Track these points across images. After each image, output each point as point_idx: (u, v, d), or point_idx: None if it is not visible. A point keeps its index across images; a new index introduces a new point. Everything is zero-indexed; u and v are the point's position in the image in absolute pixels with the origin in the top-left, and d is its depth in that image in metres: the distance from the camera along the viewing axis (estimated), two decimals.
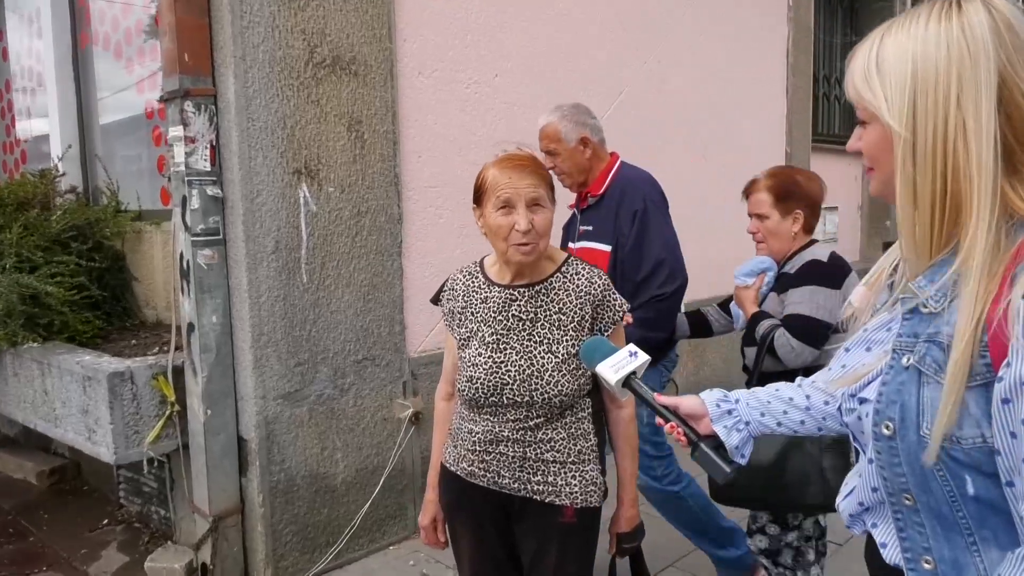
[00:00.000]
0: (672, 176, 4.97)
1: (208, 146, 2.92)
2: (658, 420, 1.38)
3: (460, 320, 1.81)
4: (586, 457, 1.75)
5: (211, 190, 2.92)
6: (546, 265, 1.76)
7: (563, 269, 1.77)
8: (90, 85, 4.24)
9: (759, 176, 2.47)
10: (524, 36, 3.94)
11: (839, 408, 1.09)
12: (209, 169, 2.92)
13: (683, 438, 1.33)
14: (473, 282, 1.82)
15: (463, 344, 1.79)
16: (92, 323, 3.42)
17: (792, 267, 2.36)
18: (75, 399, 3.02)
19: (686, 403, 1.36)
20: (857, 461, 1.17)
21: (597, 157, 2.80)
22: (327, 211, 3.11)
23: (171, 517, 3.47)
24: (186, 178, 2.88)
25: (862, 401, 1.02)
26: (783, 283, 2.36)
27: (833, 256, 2.33)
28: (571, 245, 2.81)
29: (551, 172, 2.49)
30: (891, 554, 1.03)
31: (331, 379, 3.16)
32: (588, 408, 1.78)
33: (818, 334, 2.19)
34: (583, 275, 1.75)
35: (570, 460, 1.73)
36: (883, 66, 0.96)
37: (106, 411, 2.85)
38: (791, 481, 2.07)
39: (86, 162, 4.27)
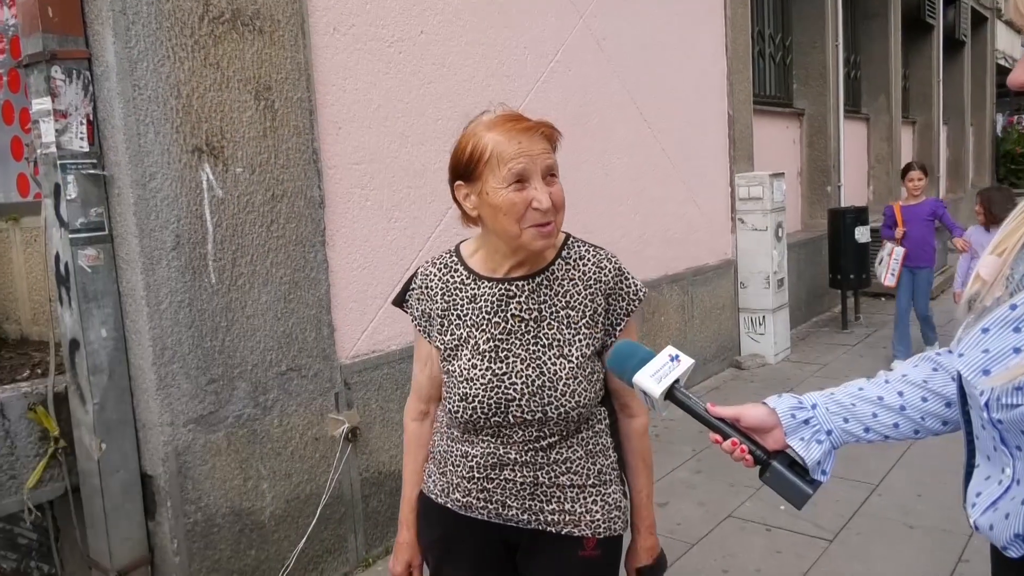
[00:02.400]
0: (614, 144, 4.94)
1: (84, 121, 2.61)
2: (713, 436, 1.30)
3: (442, 325, 1.64)
4: (607, 477, 1.64)
5: (91, 176, 2.62)
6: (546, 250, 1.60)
7: (564, 253, 1.63)
8: None
9: None
10: None
11: (987, 403, 0.99)
12: (87, 149, 2.62)
13: (748, 456, 1.26)
14: (453, 277, 1.65)
15: (450, 355, 1.61)
16: None
17: None
18: None
19: (749, 414, 1.28)
20: (982, 463, 1.08)
21: None
22: (236, 196, 2.87)
23: (57, 574, 3.14)
24: (58, 162, 2.57)
25: None
26: None
27: None
28: None
29: None
30: None
31: (251, 396, 2.94)
32: (605, 419, 1.67)
33: None
34: (589, 258, 1.63)
35: (589, 483, 1.61)
36: None
37: None
38: None
39: None
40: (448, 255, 1.70)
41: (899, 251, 6.02)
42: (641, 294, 1.64)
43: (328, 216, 3.21)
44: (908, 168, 6.22)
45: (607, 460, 1.65)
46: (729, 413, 1.28)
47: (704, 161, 5.92)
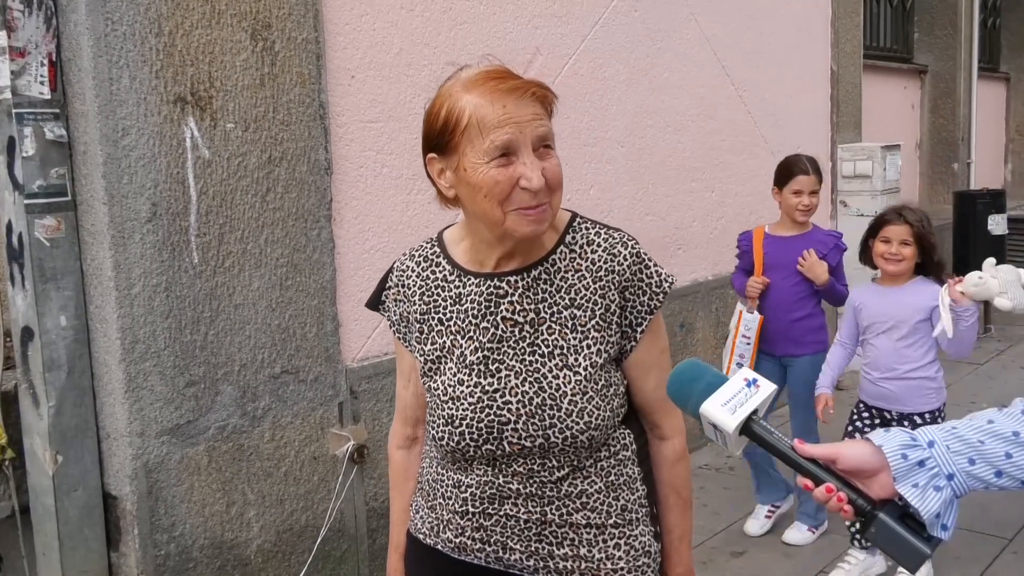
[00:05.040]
0: (687, 103, 4.92)
1: (46, 62, 2.68)
2: (802, 481, 1.30)
3: (422, 332, 1.67)
4: (632, 516, 1.65)
5: (52, 129, 2.69)
6: (545, 235, 1.61)
7: (568, 238, 1.64)
8: None
9: None
10: None
11: None
12: (48, 97, 2.69)
13: (847, 507, 1.26)
14: (434, 272, 1.68)
15: (432, 369, 1.65)
16: None
17: None
18: None
19: (849, 453, 1.27)
20: None
21: None
22: (225, 158, 2.93)
23: None
24: (13, 110, 2.64)
25: None
26: None
27: None
28: None
29: None
30: None
31: (238, 403, 3.00)
32: (631, 442, 1.68)
33: None
34: (600, 243, 1.63)
35: (611, 522, 1.62)
36: None
37: None
38: None
39: None
40: (429, 245, 1.73)
41: (752, 319, 3.88)
42: (666, 285, 1.65)
43: (336, 185, 3.26)
44: (790, 168, 3.99)
45: (633, 494, 1.65)
46: (823, 453, 1.27)
47: (799, 128, 5.87)
